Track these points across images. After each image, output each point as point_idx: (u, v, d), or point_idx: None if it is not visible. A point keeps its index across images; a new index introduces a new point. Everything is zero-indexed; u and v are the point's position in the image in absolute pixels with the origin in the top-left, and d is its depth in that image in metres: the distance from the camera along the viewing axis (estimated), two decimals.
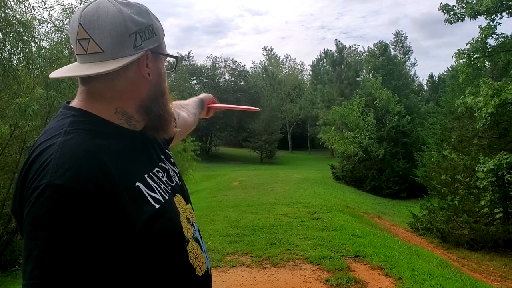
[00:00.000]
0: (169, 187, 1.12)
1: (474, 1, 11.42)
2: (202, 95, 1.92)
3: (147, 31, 1.05)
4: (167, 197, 1.07)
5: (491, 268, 9.45)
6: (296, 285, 4.69)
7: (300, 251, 5.88)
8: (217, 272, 5.21)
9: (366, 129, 23.84)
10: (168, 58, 1.17)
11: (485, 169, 10.45)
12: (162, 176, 1.12)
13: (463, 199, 11.99)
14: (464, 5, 11.57)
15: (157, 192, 1.04)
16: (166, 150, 1.26)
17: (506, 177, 11.47)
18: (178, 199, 1.15)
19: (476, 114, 10.46)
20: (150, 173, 1.07)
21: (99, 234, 0.87)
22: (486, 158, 10.70)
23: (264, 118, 43.02)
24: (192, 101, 1.81)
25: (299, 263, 5.41)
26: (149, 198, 1.00)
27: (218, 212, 9.62)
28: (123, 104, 1.05)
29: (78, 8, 1.09)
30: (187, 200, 1.22)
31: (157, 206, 1.01)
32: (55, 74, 1.05)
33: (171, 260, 1.03)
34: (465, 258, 10.10)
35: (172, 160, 1.26)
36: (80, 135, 0.96)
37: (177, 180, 1.21)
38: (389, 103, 24.75)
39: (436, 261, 7.04)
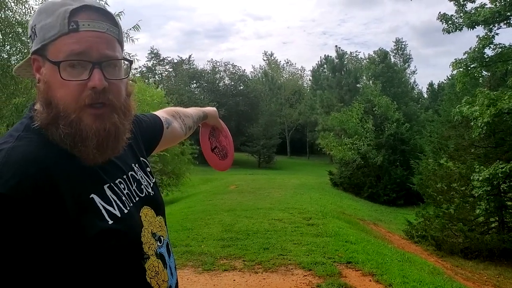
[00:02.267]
0: (136, 199, 1.06)
1: (473, 11, 11.48)
2: (208, 110, 1.81)
3: (33, 34, 0.97)
4: (126, 211, 1.00)
5: (485, 277, 9.46)
6: None
7: (293, 257, 5.91)
8: (209, 275, 5.24)
9: (364, 136, 23.92)
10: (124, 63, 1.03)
11: (481, 178, 10.48)
12: (124, 188, 1.04)
13: (458, 207, 12.02)
14: (462, 15, 11.64)
15: (115, 206, 0.97)
16: (142, 158, 1.21)
17: (502, 186, 11.51)
18: (146, 211, 1.08)
19: (472, 123, 10.51)
20: (111, 184, 1.00)
21: (38, 244, 0.82)
22: (482, 167, 10.73)
23: (263, 122, 43.09)
24: (196, 114, 1.72)
25: (291, 268, 5.44)
26: (103, 211, 0.93)
27: (213, 216, 9.65)
28: None
29: None
30: (158, 213, 1.14)
31: (111, 222, 0.93)
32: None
33: (124, 277, 0.95)
34: (459, 267, 10.11)
35: (148, 169, 1.21)
36: (32, 141, 0.91)
37: (149, 191, 1.14)
38: (388, 110, 24.85)
39: (428, 268, 7.06)
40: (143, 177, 1.15)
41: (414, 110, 37.86)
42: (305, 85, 63.39)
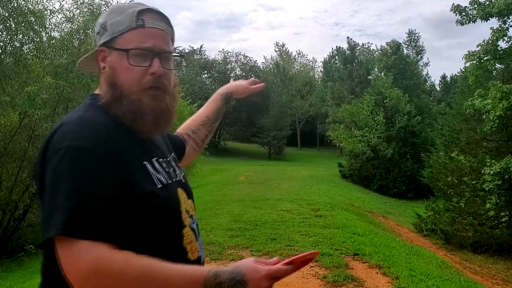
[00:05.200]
0: (173, 179, 1.21)
1: (487, 3, 11.30)
2: (228, 86, 1.99)
3: (102, 30, 1.17)
4: (170, 182, 1.17)
5: (494, 272, 9.42)
6: (293, 281, 4.73)
7: (300, 248, 5.91)
8: (217, 264, 5.27)
9: (375, 128, 23.76)
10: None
11: (492, 172, 10.40)
12: (165, 168, 1.20)
13: (468, 201, 11.94)
14: (476, 6, 11.46)
15: (161, 175, 1.14)
16: (173, 154, 1.35)
17: None
18: (181, 192, 1.22)
19: (484, 117, 10.40)
20: (159, 159, 1.18)
21: (112, 190, 0.99)
22: (493, 161, 10.63)
23: (274, 114, 42.99)
24: (211, 110, 1.77)
25: None
26: (153, 177, 1.11)
27: (222, 206, 9.70)
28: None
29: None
30: (190, 197, 1.28)
31: (159, 186, 1.10)
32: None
33: (165, 237, 1.10)
34: (468, 261, 10.08)
35: (178, 163, 1.35)
36: (97, 111, 1.10)
37: (181, 178, 1.28)
38: (400, 102, 24.63)
39: (436, 262, 7.05)
40: (176, 166, 1.30)
41: (426, 102, 37.55)
42: (316, 77, 62.99)
